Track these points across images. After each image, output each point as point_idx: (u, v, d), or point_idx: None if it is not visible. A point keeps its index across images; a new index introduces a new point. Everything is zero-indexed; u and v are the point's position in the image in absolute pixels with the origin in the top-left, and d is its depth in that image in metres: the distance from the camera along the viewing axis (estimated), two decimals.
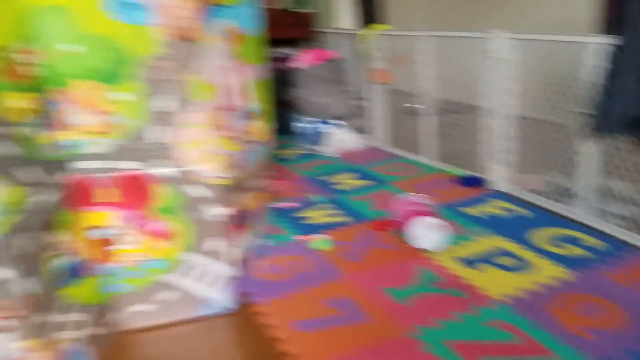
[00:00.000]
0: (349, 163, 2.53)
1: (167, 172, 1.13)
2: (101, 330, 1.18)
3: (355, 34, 2.76)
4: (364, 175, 2.33)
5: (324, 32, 3.09)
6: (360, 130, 2.83)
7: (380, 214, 1.82)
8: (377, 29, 2.61)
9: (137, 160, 1.10)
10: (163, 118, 1.07)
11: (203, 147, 1.13)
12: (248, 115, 1.28)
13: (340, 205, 1.98)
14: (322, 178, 2.33)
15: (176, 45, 1.02)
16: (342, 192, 2.13)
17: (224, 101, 1.15)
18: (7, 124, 0.87)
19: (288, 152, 2.75)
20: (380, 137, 2.79)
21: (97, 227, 1.13)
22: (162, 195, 1.15)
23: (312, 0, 3.20)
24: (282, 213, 1.90)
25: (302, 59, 2.76)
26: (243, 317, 1.31)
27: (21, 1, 0.89)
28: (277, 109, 3.08)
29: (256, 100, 1.32)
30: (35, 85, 0.94)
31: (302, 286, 1.40)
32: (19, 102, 0.90)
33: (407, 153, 2.56)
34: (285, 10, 3.20)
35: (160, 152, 1.11)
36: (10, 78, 0.88)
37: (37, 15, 0.92)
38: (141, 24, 0.98)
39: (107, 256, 1.16)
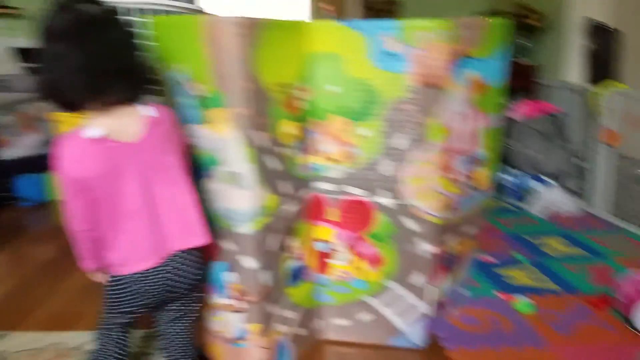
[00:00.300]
0: (558, 226, 2.30)
1: (387, 202, 1.22)
2: (303, 332, 1.31)
3: (582, 89, 2.54)
4: (577, 243, 2.08)
5: (546, 85, 2.93)
6: (575, 193, 2.56)
7: (598, 290, 1.61)
8: (610, 86, 2.36)
9: (364, 189, 1.21)
10: (395, 154, 1.17)
11: (425, 184, 1.19)
12: (474, 161, 1.30)
13: (545, 270, 1.82)
14: (525, 237, 2.17)
15: (422, 91, 1.11)
16: (549, 256, 1.95)
17: (454, 144, 1.20)
18: (279, 144, 1.07)
19: (491, 204, 2.64)
20: (599, 204, 2.47)
21: (320, 240, 1.28)
22: (379, 222, 1.24)
23: (536, 50, 3.08)
24: (482, 265, 1.84)
25: (519, 110, 2.66)
26: (433, 358, 1.30)
27: (306, 48, 1.08)
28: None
29: (485, 148, 1.33)
30: (301, 116, 1.13)
31: (499, 344, 1.33)
32: (289, 128, 1.10)
33: (633, 226, 2.20)
34: None
35: (385, 184, 1.20)
36: (287, 109, 1.08)
37: (315, 59, 1.11)
38: (396, 72, 1.10)
39: (323, 267, 1.30)
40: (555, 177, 2.57)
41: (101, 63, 0.80)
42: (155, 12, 1.26)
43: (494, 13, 3.36)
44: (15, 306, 1.51)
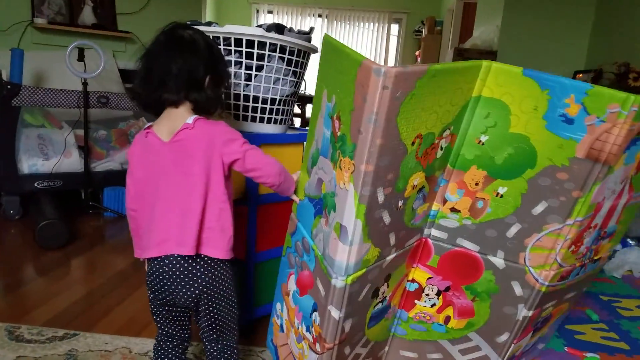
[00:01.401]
0: (634, 288, 2.15)
1: (499, 262, 1.12)
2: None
3: None
4: None
5: None
6: None
7: None
8: None
9: (479, 244, 1.12)
10: (528, 219, 1.05)
11: (547, 254, 1.07)
12: (605, 235, 1.19)
13: (617, 330, 1.72)
14: (600, 295, 2.03)
15: (585, 164, 0.95)
16: (622, 317, 1.83)
17: (593, 219, 1.08)
18: (401, 197, 0.94)
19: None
20: None
21: (413, 281, 1.22)
22: (482, 279, 1.15)
23: None
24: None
25: None
26: None
27: (470, 91, 0.93)
28: None
29: (619, 223, 1.21)
30: (434, 166, 0.99)
31: None
32: (418, 179, 0.96)
33: None
34: None
35: (504, 245, 1.09)
36: (422, 160, 0.93)
37: (476, 104, 0.95)
38: (565, 138, 0.94)
39: (407, 305, 1.25)
40: (638, 240, 2.36)
41: (176, 74, 0.95)
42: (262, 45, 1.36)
43: (596, 72, 3.24)
44: (90, 309, 1.61)
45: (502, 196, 1.03)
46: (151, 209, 0.97)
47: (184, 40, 0.98)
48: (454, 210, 1.09)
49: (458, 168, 1.03)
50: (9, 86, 2.36)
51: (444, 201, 1.09)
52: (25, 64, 2.59)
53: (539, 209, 1.02)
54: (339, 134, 0.91)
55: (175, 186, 0.96)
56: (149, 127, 1.00)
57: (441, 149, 0.97)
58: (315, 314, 1.06)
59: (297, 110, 5.55)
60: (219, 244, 0.97)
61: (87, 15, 3.69)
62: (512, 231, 1.06)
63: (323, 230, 1.00)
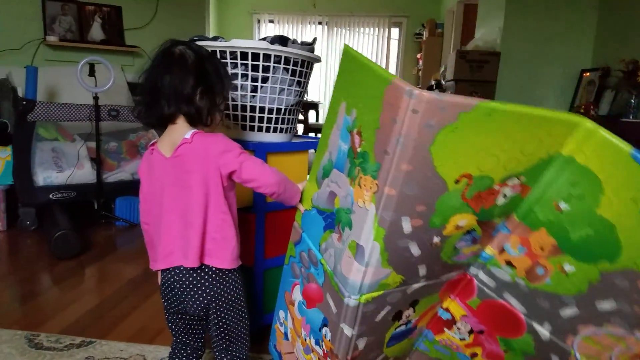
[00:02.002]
0: None
1: (544, 333, 0.99)
2: None
3: None
4: None
5: None
6: None
7: None
8: None
9: (527, 307, 0.99)
10: (588, 309, 0.89)
11: (599, 351, 0.91)
12: None
13: None
14: None
15: None
16: None
17: None
18: (437, 234, 0.87)
19: None
20: None
21: (450, 313, 1.16)
22: (520, 339, 1.03)
23: None
24: None
25: None
26: None
27: (552, 145, 0.80)
28: None
29: None
30: (491, 211, 0.89)
31: None
32: (464, 221, 0.87)
33: None
34: (609, 116, 3.01)
35: (555, 319, 0.96)
36: (472, 202, 0.84)
37: (562, 164, 0.82)
38: None
39: (435, 328, 1.20)
40: None
41: (164, 89, 0.98)
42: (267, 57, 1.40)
43: (603, 70, 3.25)
44: (104, 317, 1.66)
45: (567, 274, 0.87)
46: (158, 223, 1.01)
47: (173, 56, 1.00)
48: (509, 264, 0.96)
49: (526, 224, 0.90)
50: (24, 102, 2.44)
51: (502, 250, 0.96)
52: (39, 80, 2.67)
53: (605, 306, 0.85)
54: (359, 150, 0.85)
55: (177, 200, 0.99)
56: (153, 144, 1.04)
57: (504, 196, 0.84)
58: (326, 329, 1.03)
59: (299, 116, 5.61)
60: (222, 254, 1.00)
61: (96, 31, 3.78)
62: (567, 313, 0.91)
63: (335, 246, 0.96)
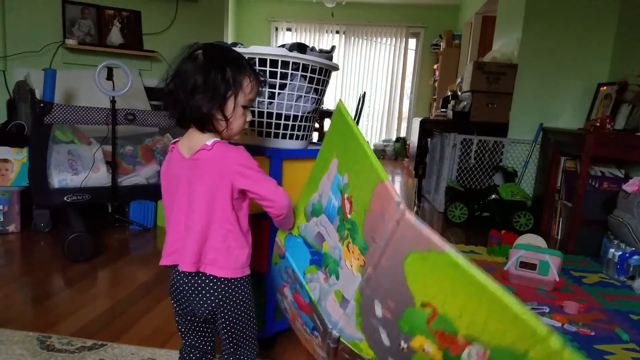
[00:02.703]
0: None
1: None
2: None
3: None
4: None
5: None
6: None
7: None
8: None
9: None
10: None
11: None
12: None
13: None
14: (630, 314, 1.99)
15: None
16: None
17: None
18: (409, 345, 0.80)
19: (590, 276, 2.43)
20: None
21: None
22: None
23: None
24: (582, 339, 1.70)
25: (634, 182, 2.46)
26: None
27: (516, 342, 0.66)
28: (587, 228, 2.81)
29: None
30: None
31: None
32: (431, 349, 0.77)
33: None
34: (625, 131, 2.97)
35: None
36: (440, 338, 0.75)
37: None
38: None
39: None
40: None
41: (187, 95, 0.96)
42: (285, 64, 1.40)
43: (620, 84, 3.20)
44: (115, 320, 1.65)
45: None
46: (169, 219, 1.04)
47: (188, 58, 0.99)
48: None
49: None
50: (42, 104, 2.47)
51: None
52: (57, 83, 2.70)
53: None
54: (349, 217, 0.89)
55: (184, 202, 1.00)
56: (175, 142, 1.05)
57: (469, 356, 0.72)
58: (316, 332, 1.05)
59: (315, 125, 5.60)
60: (224, 264, 0.99)
61: (115, 35, 3.83)
62: None
63: (321, 284, 0.98)
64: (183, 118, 1.00)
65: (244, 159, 0.99)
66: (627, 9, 3.48)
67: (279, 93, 1.42)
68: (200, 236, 0.97)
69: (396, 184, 5.45)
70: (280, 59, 1.37)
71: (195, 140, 1.00)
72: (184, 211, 1.00)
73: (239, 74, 0.99)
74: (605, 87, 3.48)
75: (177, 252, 1.00)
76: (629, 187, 2.49)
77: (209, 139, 0.99)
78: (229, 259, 0.99)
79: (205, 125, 0.99)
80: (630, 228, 2.39)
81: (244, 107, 1.02)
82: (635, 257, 2.38)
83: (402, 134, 8.22)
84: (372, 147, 7.19)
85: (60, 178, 2.53)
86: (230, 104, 0.98)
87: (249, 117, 1.05)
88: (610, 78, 3.58)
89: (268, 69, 1.37)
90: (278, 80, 1.40)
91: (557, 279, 2.17)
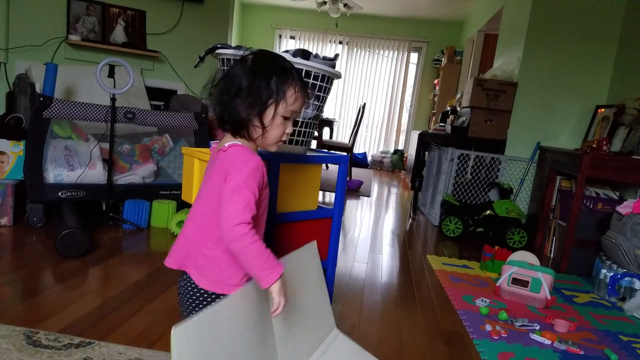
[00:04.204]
0: None
1: None
2: None
3: None
4: None
5: None
6: None
7: None
8: None
9: None
10: None
11: None
12: None
13: None
14: (620, 335, 1.99)
15: None
16: None
17: None
18: None
19: (581, 295, 2.44)
20: None
21: None
22: None
23: None
24: (567, 357, 1.69)
25: (629, 206, 2.47)
26: None
27: None
28: (580, 248, 2.82)
29: None
30: None
31: None
32: None
33: None
34: (621, 153, 2.99)
35: None
36: None
37: None
38: None
39: None
40: None
41: (222, 101, 0.97)
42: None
43: (618, 107, 3.24)
44: (104, 319, 1.63)
45: None
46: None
47: (237, 61, 0.99)
48: None
49: None
50: (41, 98, 2.46)
51: None
52: (58, 78, 2.70)
53: None
54: None
55: (201, 196, 1.02)
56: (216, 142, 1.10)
57: None
58: None
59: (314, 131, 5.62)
60: (206, 273, 0.97)
61: (119, 34, 3.84)
62: None
63: None
64: (223, 120, 0.99)
65: (237, 167, 0.92)
66: (628, 32, 3.53)
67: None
68: (193, 232, 0.98)
69: (392, 196, 5.45)
70: None
71: (225, 140, 1.01)
72: (195, 210, 1.02)
73: (284, 83, 0.96)
74: (603, 110, 3.52)
75: (178, 252, 1.03)
76: (622, 209, 2.51)
77: (230, 140, 0.98)
78: (211, 269, 0.96)
79: (240, 130, 0.97)
80: (622, 250, 2.40)
81: (285, 118, 0.98)
82: (627, 278, 2.39)
83: (400, 147, 8.25)
84: (370, 158, 7.19)
85: (55, 173, 2.52)
86: (269, 112, 0.95)
87: (289, 129, 1.00)
88: (608, 100, 3.62)
89: None
90: None
91: (549, 297, 2.17)
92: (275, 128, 0.97)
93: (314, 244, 1.31)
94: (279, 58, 1.01)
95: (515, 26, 4.14)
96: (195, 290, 0.97)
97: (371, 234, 3.41)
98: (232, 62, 1.04)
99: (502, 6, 4.72)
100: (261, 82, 0.94)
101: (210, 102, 1.00)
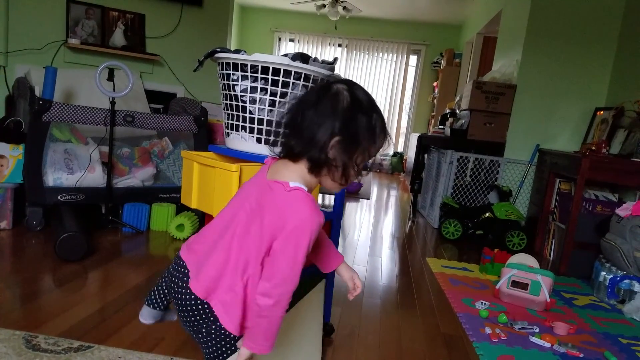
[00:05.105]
0: None
1: None
2: None
3: None
4: None
5: None
6: None
7: None
8: None
9: None
10: None
11: None
12: None
13: None
14: (620, 338, 1.99)
15: None
16: None
17: None
18: None
19: (581, 298, 2.44)
20: None
21: None
22: None
23: None
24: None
25: (628, 208, 2.48)
26: None
27: None
28: (579, 251, 2.83)
29: None
30: None
31: None
32: None
33: None
34: (620, 156, 3.00)
35: None
36: None
37: None
38: None
39: None
40: None
41: (302, 125, 0.86)
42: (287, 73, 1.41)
43: (617, 109, 3.24)
44: (104, 322, 1.63)
45: None
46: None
47: (327, 92, 0.89)
48: None
49: None
50: (40, 102, 2.47)
51: None
52: (57, 82, 2.70)
53: None
54: None
55: (229, 226, 0.93)
56: (271, 159, 0.98)
57: None
58: None
59: None
60: (232, 313, 0.89)
61: (118, 37, 3.84)
62: None
63: None
64: (295, 153, 0.87)
65: (306, 223, 0.83)
66: (626, 35, 3.54)
67: (279, 101, 1.42)
68: (221, 265, 0.87)
69: (392, 199, 5.45)
70: (282, 68, 1.38)
71: (285, 173, 0.88)
72: (224, 223, 0.91)
73: (382, 127, 0.91)
74: (602, 112, 3.53)
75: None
76: (622, 211, 2.51)
77: (294, 181, 0.86)
78: (240, 312, 0.88)
79: (320, 168, 0.87)
80: (622, 252, 2.40)
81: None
82: (626, 281, 2.39)
83: (400, 149, 8.26)
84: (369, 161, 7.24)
85: (55, 176, 2.52)
86: (362, 157, 0.88)
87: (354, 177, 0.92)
88: (607, 103, 3.63)
89: (270, 77, 1.38)
90: (279, 89, 1.41)
91: (548, 300, 2.17)
92: (358, 170, 0.89)
93: (321, 286, 1.30)
94: (367, 94, 0.92)
95: (514, 29, 4.16)
96: (212, 321, 0.89)
97: (370, 237, 3.41)
98: (316, 88, 0.92)
99: (501, 9, 4.73)
100: (366, 125, 0.87)
101: (285, 125, 0.89)
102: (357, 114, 0.86)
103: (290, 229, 0.82)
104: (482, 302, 2.19)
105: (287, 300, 0.85)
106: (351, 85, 0.90)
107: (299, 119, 0.86)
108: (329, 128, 0.84)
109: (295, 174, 0.88)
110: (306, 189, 0.87)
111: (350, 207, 4.49)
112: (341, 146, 0.85)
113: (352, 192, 5.20)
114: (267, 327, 0.85)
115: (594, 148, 3.15)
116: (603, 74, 3.69)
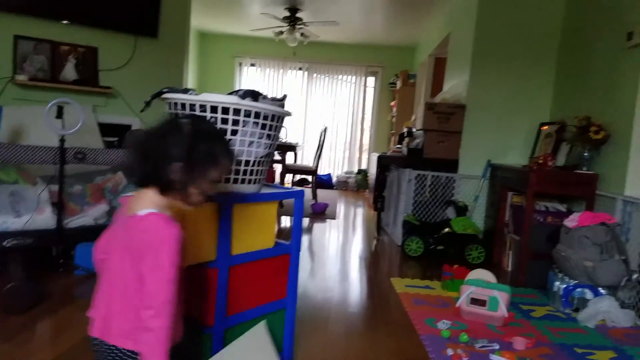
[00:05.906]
0: (608, 339, 2.18)
1: None
2: None
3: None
4: (626, 358, 1.97)
5: (605, 196, 2.87)
6: (631, 306, 2.38)
7: None
8: None
9: None
10: None
11: None
12: None
13: None
14: (575, 348, 2.06)
15: None
16: None
17: None
18: None
19: (538, 309, 2.52)
20: None
21: None
22: None
23: (598, 162, 3.05)
24: None
25: (575, 218, 2.60)
26: None
27: None
28: (535, 261, 2.93)
29: None
30: None
31: None
32: None
33: None
34: (565, 168, 3.16)
35: None
36: None
37: None
38: None
39: None
40: (609, 288, 2.43)
41: (147, 153, 1.02)
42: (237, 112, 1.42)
43: (559, 124, 3.42)
44: None
45: None
46: (100, 273, 1.13)
47: (171, 124, 1.07)
48: None
49: None
50: None
51: None
52: (4, 120, 2.60)
53: None
54: None
55: (109, 274, 1.10)
56: (129, 196, 1.10)
57: None
58: None
59: (277, 157, 5.63)
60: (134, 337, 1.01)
61: (69, 71, 3.76)
62: None
63: None
64: (147, 177, 1.02)
65: (164, 242, 0.96)
66: (563, 55, 3.77)
67: (230, 139, 1.43)
68: (116, 307, 1.04)
69: (358, 217, 5.50)
70: (232, 107, 1.39)
71: (140, 202, 1.01)
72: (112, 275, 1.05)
73: (223, 153, 1.06)
74: (546, 127, 3.71)
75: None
76: (569, 222, 2.63)
77: (147, 208, 0.99)
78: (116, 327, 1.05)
79: (173, 192, 1.02)
80: (572, 262, 2.51)
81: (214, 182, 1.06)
82: (579, 289, 2.49)
83: (364, 166, 8.37)
84: (335, 179, 7.20)
85: (0, 221, 2.41)
86: (205, 179, 1.04)
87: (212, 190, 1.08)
88: (551, 118, 3.83)
89: (219, 116, 1.39)
90: (230, 127, 1.41)
91: (506, 315, 2.23)
92: (201, 193, 1.05)
93: (261, 327, 1.37)
94: (212, 125, 1.12)
95: (461, 51, 4.35)
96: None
97: (339, 260, 3.42)
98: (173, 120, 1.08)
99: (449, 32, 4.94)
100: (206, 152, 1.01)
101: (134, 155, 1.03)
102: (198, 143, 1.00)
103: (146, 246, 0.95)
104: (443, 322, 2.23)
105: (167, 312, 0.94)
106: (195, 119, 1.07)
107: (146, 149, 1.00)
108: (171, 156, 0.98)
109: (147, 202, 1.00)
110: (159, 210, 0.99)
111: (317, 228, 4.50)
112: (183, 171, 0.98)
113: (318, 212, 5.21)
114: (155, 341, 0.94)
115: (540, 161, 3.30)
116: (546, 90, 3.90)
